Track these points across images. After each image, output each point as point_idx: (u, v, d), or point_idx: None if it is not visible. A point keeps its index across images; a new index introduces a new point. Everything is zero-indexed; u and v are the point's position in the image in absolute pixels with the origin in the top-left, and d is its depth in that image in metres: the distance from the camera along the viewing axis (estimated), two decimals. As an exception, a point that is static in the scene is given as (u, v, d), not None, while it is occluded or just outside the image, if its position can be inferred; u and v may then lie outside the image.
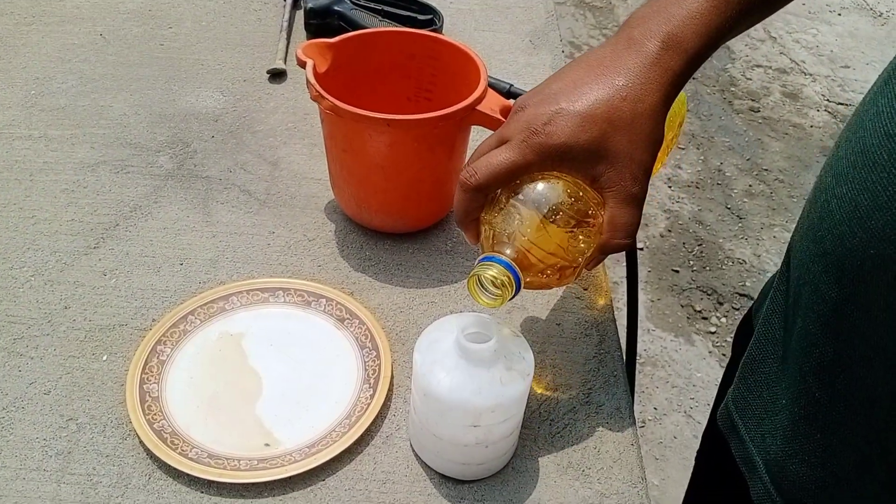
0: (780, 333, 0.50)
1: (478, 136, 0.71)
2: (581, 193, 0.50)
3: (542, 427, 0.60)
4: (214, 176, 0.80)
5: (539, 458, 0.58)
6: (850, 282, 0.42)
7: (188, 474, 0.53)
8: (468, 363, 0.51)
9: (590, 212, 0.50)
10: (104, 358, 0.62)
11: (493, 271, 0.48)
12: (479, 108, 0.65)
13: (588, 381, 0.63)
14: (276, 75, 0.96)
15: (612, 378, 0.64)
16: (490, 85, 0.69)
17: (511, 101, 0.66)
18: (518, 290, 0.49)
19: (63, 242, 0.72)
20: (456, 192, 0.51)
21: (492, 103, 0.66)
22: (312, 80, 0.65)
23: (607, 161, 0.48)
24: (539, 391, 0.62)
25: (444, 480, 0.56)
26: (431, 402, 0.51)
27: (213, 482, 0.54)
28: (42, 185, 0.78)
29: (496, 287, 0.48)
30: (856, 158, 0.41)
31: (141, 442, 0.55)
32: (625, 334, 0.71)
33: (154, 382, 0.59)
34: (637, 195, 0.48)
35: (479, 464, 0.54)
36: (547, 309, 0.69)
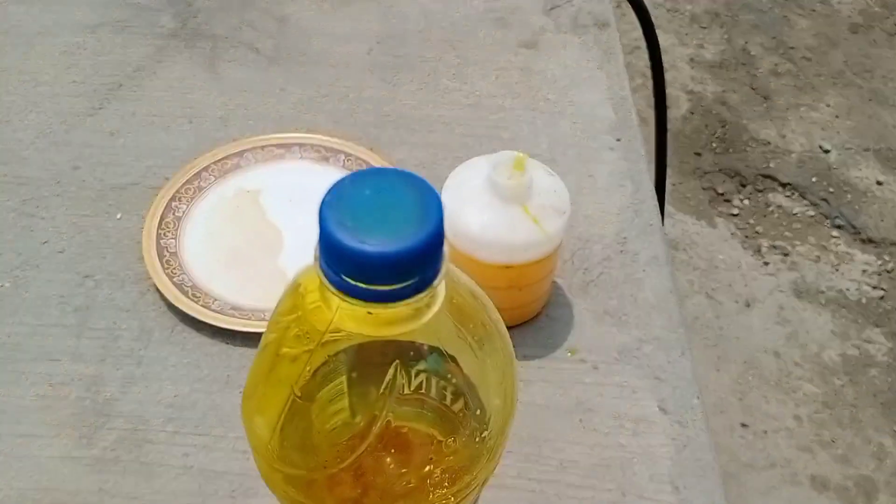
0: None
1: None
2: None
3: (576, 276, 0.57)
4: (220, 35, 0.76)
5: (573, 306, 0.55)
6: None
7: (212, 325, 0.52)
8: (501, 201, 0.48)
9: None
10: (118, 216, 0.59)
11: None
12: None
13: (623, 231, 0.60)
14: (281, -69, 0.89)
15: (647, 227, 0.61)
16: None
17: None
18: None
19: (66, 104, 0.68)
20: None
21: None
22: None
23: None
24: (571, 240, 0.59)
25: (476, 328, 0.54)
26: (462, 242, 0.49)
27: (237, 332, 0.52)
28: (40, 48, 0.73)
29: None
30: None
31: (162, 296, 0.54)
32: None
33: (171, 238, 0.57)
34: None
35: (512, 308, 0.52)
36: (578, 161, 0.65)
